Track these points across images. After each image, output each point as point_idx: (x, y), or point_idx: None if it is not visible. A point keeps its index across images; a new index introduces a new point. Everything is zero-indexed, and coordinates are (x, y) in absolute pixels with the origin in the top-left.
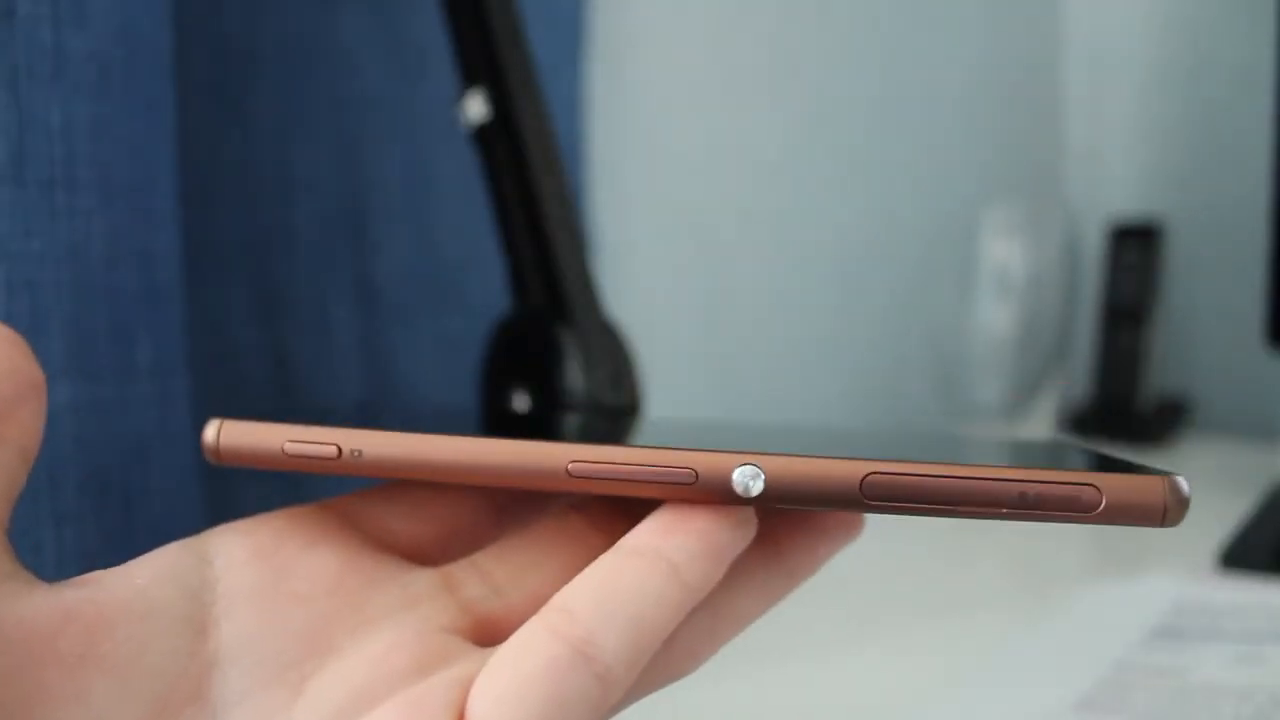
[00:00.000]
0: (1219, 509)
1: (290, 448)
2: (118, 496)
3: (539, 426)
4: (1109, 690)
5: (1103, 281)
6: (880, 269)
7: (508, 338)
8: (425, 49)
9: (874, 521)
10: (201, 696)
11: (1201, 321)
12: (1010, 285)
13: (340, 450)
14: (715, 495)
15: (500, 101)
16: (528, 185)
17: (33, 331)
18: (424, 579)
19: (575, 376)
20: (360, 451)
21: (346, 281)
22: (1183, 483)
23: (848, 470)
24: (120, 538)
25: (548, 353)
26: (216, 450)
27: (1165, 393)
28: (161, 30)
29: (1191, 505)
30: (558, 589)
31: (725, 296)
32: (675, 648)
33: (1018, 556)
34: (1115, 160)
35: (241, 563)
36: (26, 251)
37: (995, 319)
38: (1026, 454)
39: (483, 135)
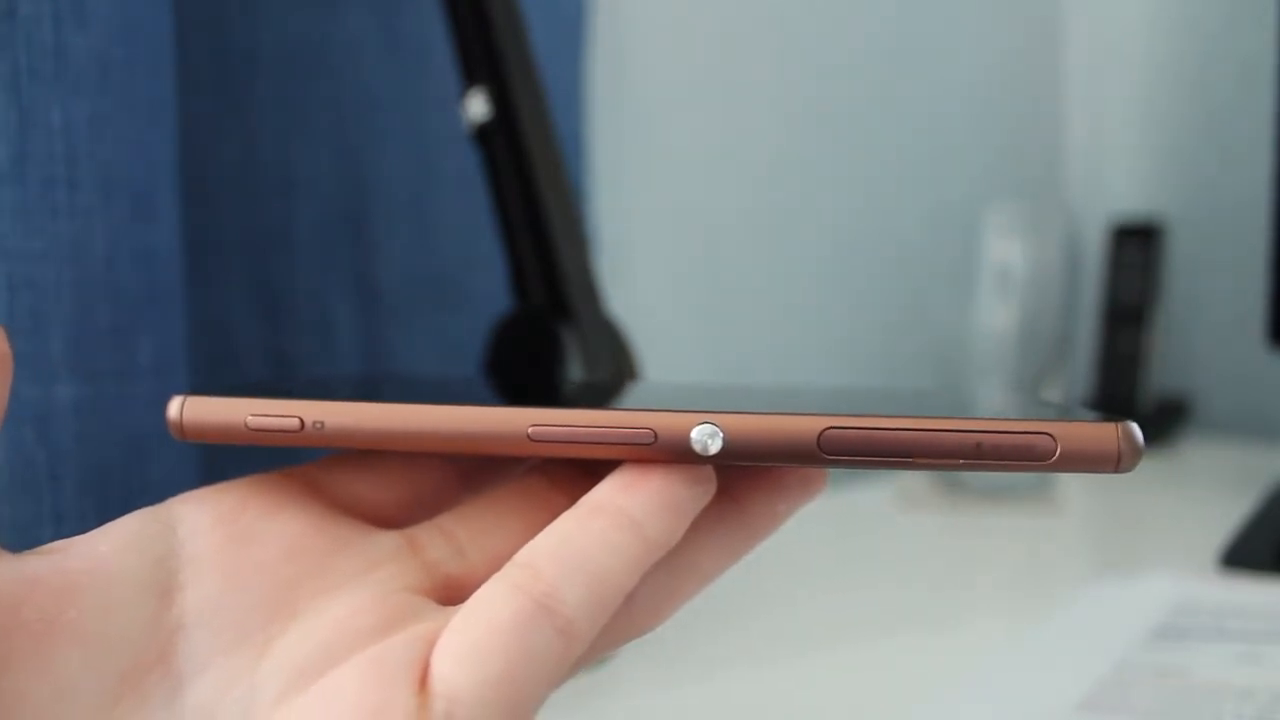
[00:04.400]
0: (1219, 509)
1: (253, 421)
2: (118, 495)
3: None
4: (1110, 690)
5: (1103, 281)
6: (880, 269)
7: (508, 337)
8: (426, 48)
9: (874, 521)
10: (166, 662)
11: (1201, 321)
12: (1010, 285)
13: (303, 423)
14: (675, 454)
15: (501, 100)
16: (529, 184)
17: (33, 330)
18: (387, 541)
19: (576, 375)
20: (322, 423)
21: (346, 281)
22: (1135, 429)
23: (805, 426)
24: None
25: (549, 351)
26: (180, 426)
27: (1165, 393)
28: (162, 29)
29: (1191, 505)
30: (520, 548)
31: (725, 295)
32: (637, 604)
33: (1018, 556)
34: (1115, 160)
35: (205, 529)
36: (27, 250)
37: (995, 319)
38: (985, 406)
39: (484, 134)
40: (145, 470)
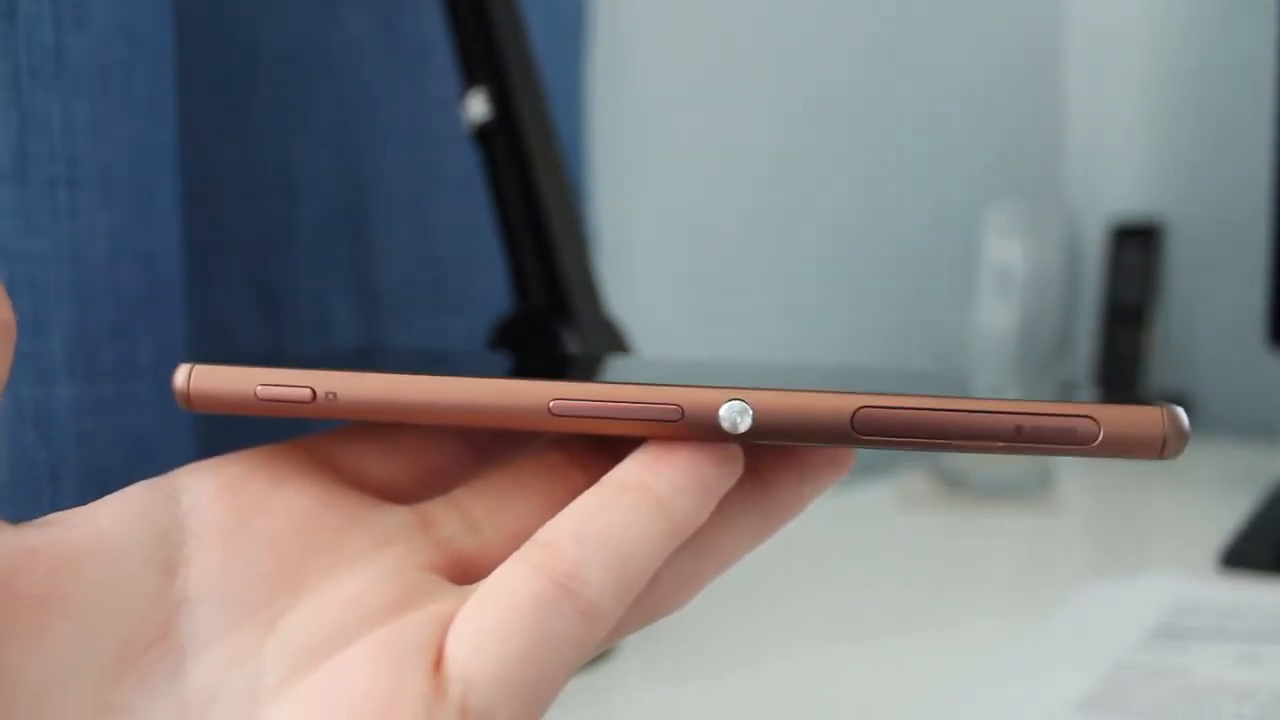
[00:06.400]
0: (1219, 509)
1: (263, 391)
2: None
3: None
4: (1110, 690)
5: (1103, 281)
6: (881, 269)
7: (509, 337)
8: (426, 49)
9: (874, 521)
10: (169, 637)
11: (1201, 321)
12: (1010, 285)
13: (315, 393)
14: (702, 432)
15: (502, 100)
16: (529, 184)
17: (34, 331)
18: (399, 517)
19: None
20: (335, 394)
21: (346, 281)
22: (1181, 414)
23: (838, 404)
24: None
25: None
26: (187, 395)
27: (1165, 393)
28: (162, 30)
29: (1191, 505)
30: (537, 526)
31: (725, 295)
32: (660, 585)
33: (1018, 556)
34: (1115, 160)
35: (209, 501)
36: (28, 251)
37: (995, 319)
38: (1023, 389)
39: (484, 134)
40: (146, 470)
